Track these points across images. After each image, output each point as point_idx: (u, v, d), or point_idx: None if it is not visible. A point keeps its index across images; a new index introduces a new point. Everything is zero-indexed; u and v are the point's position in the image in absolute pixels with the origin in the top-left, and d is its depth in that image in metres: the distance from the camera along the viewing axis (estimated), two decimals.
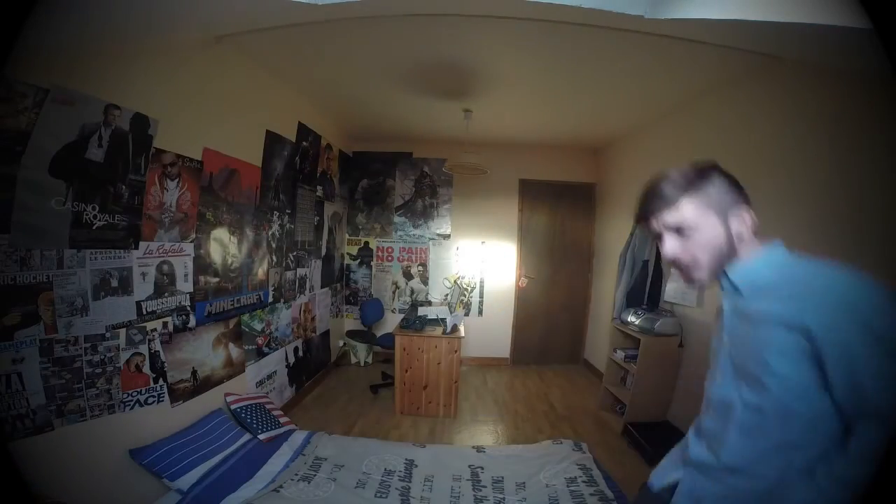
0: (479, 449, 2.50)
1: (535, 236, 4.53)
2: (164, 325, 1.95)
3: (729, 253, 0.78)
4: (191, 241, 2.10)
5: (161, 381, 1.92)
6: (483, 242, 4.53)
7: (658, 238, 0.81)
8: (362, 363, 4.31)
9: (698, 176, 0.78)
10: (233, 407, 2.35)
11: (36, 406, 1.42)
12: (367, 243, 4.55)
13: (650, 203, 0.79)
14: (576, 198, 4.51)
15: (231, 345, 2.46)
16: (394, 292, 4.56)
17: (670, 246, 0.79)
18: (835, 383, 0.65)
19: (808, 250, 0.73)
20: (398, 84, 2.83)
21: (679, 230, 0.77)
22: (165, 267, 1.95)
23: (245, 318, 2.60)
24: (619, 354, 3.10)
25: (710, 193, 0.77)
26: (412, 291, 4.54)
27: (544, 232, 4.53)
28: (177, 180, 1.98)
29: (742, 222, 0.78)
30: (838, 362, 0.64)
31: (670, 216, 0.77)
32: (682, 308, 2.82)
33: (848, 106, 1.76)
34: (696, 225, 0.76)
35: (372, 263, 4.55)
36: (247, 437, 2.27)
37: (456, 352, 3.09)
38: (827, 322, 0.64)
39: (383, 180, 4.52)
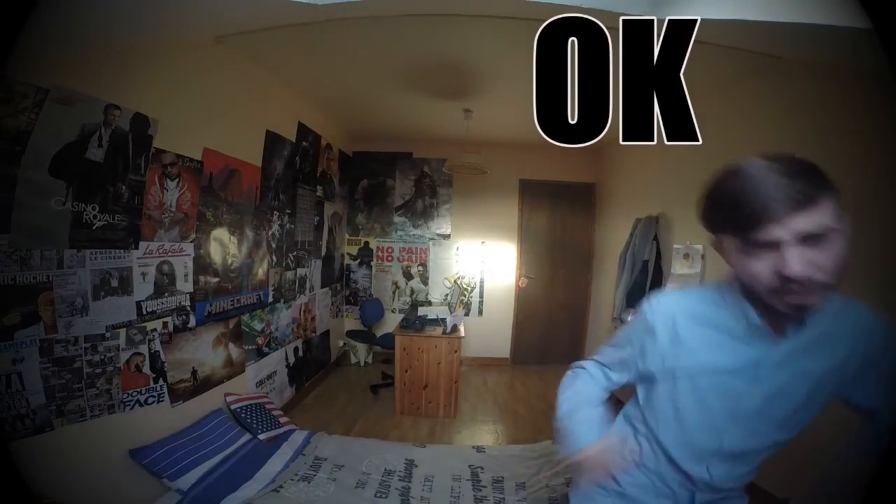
0: (479, 449, 2.50)
1: (535, 236, 4.53)
2: (164, 325, 1.94)
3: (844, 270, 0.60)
4: (191, 241, 2.10)
5: (161, 381, 1.92)
6: (483, 242, 4.53)
7: (766, 250, 0.60)
8: (362, 363, 4.31)
9: (815, 168, 0.61)
10: (233, 407, 2.35)
11: (36, 406, 1.42)
12: (367, 243, 4.55)
13: (774, 203, 0.57)
14: (576, 198, 4.51)
15: (231, 345, 2.46)
16: (394, 292, 4.56)
17: (807, 258, 0.57)
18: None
19: None
20: (398, 84, 2.82)
21: (814, 237, 0.57)
22: (165, 267, 1.95)
23: (245, 318, 2.59)
24: None
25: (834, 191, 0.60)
26: (412, 291, 4.53)
27: (544, 232, 4.53)
28: (177, 180, 1.98)
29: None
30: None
31: (808, 219, 0.57)
32: None
33: (847, 106, 1.76)
34: (839, 227, 0.59)
35: (372, 263, 4.55)
36: (247, 437, 2.27)
37: (456, 352, 3.09)
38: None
39: (383, 180, 4.52)
